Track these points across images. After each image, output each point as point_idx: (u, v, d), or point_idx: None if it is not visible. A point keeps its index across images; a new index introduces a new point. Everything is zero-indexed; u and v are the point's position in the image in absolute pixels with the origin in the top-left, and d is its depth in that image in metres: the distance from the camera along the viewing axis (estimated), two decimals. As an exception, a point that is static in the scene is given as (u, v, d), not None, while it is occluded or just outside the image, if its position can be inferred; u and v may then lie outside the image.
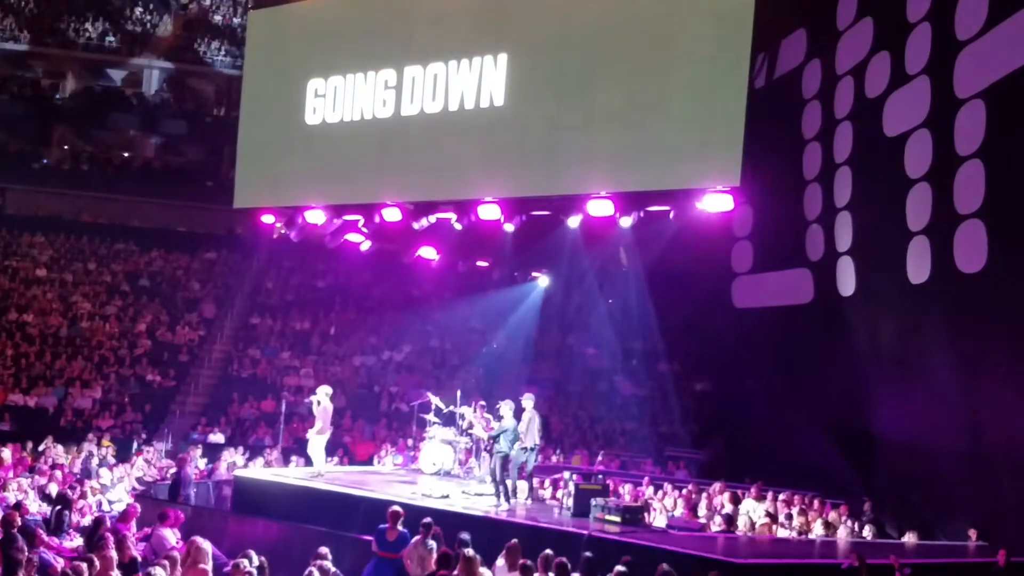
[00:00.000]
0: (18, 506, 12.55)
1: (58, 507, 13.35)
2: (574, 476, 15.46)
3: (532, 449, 13.77)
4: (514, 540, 10.05)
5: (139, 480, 18.05)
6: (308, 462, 15.73)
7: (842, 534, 14.04)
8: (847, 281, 16.67)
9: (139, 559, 10.48)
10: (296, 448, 19.35)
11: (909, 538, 13.65)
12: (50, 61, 34.48)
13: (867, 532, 14.10)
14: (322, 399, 15.43)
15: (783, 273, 18.38)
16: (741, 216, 17.90)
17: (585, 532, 11.72)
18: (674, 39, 13.90)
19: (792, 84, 17.90)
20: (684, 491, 15.73)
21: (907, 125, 15.14)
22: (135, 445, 21.52)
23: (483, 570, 9.59)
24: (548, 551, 9.68)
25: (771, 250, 18.70)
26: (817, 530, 14.13)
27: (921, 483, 15.12)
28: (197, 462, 19.28)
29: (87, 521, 13.43)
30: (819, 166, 17.34)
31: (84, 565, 8.78)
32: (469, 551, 9.66)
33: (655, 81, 14.00)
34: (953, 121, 14.17)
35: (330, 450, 21.33)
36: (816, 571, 10.54)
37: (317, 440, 15.52)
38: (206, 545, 9.82)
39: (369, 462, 20.40)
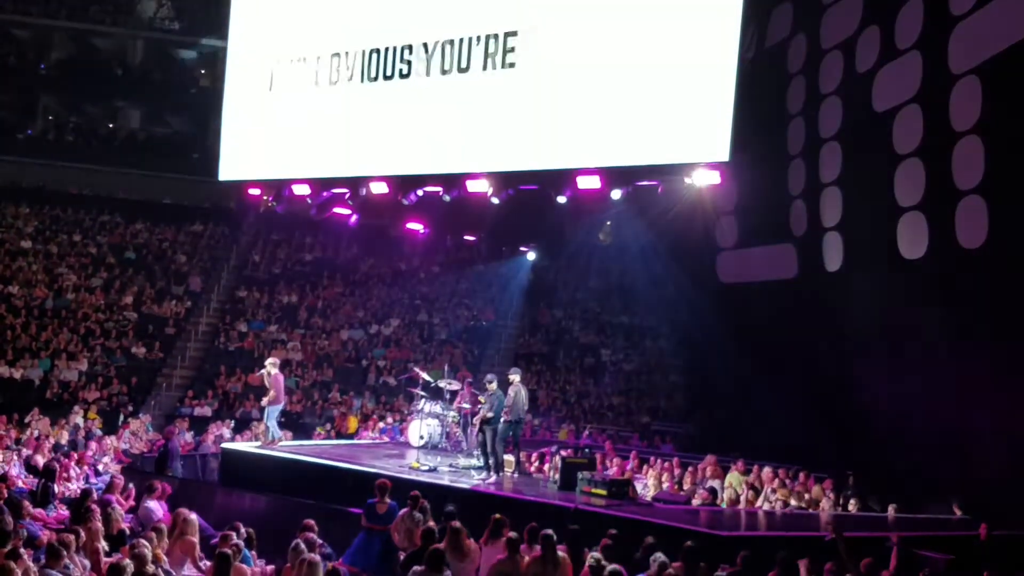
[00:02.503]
0: (4, 478, 12.56)
1: (43, 479, 13.34)
2: (561, 450, 15.54)
3: (518, 422, 13.85)
4: (497, 515, 10.08)
5: (126, 452, 18.06)
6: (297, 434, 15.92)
7: (825, 507, 14.15)
8: (834, 256, 16.70)
9: (126, 531, 10.52)
10: (283, 422, 19.37)
11: (892, 511, 13.77)
12: (34, 31, 34.10)
13: (851, 506, 14.22)
14: (271, 370, 15.62)
15: (767, 248, 18.40)
16: (725, 190, 17.85)
17: (571, 505, 11.80)
18: (665, 11, 13.81)
19: (777, 58, 17.84)
20: (666, 464, 15.85)
21: (896, 100, 15.11)
22: (121, 418, 21.52)
23: (469, 542, 9.66)
24: (533, 524, 9.74)
25: (755, 225, 18.70)
26: (801, 503, 14.25)
27: (906, 457, 15.23)
28: (184, 435, 19.30)
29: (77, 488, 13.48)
30: (803, 141, 17.33)
31: (71, 536, 8.81)
32: (456, 523, 9.73)
33: (644, 53, 13.91)
34: (948, 96, 14.13)
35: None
36: (799, 543, 10.62)
37: (270, 411, 15.70)
38: (193, 517, 9.86)
39: (356, 435, 20.47)
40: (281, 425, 16.95)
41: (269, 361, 16.07)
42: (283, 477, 14.30)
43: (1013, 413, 13.46)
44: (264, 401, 15.83)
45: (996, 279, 13.73)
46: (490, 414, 13.58)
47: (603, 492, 12.61)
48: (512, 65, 15.12)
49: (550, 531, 9.07)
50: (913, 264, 15.00)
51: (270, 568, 9.98)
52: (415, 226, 20.31)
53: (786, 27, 17.83)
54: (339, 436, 20.51)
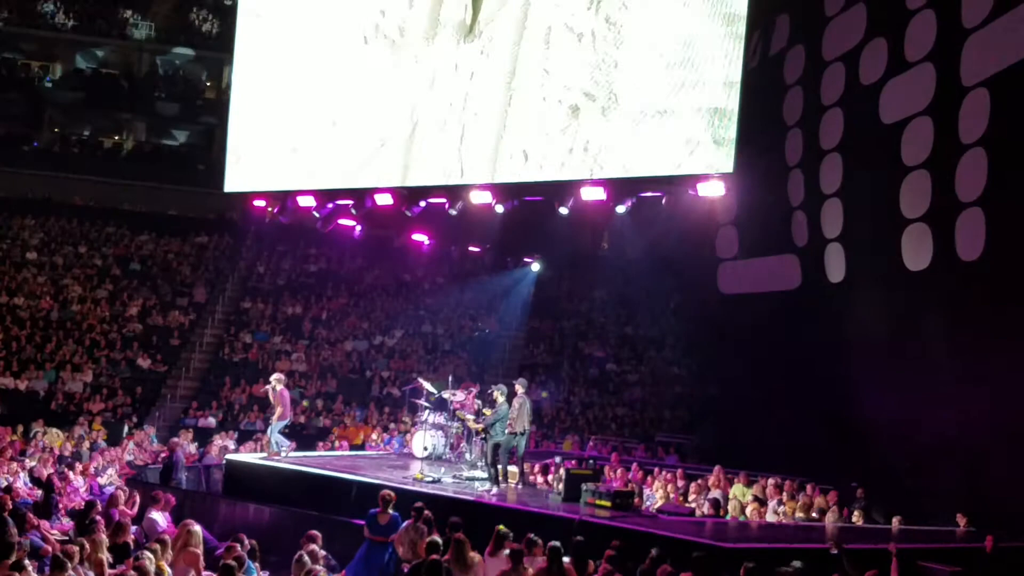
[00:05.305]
0: (8, 489, 12.56)
1: (47, 491, 13.35)
2: (565, 461, 15.52)
3: (522, 434, 13.81)
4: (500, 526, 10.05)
5: (130, 464, 18.06)
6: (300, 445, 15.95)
7: (830, 519, 14.11)
8: (836, 267, 16.70)
9: (130, 542, 10.51)
10: (287, 433, 19.36)
11: (896, 523, 13.73)
12: (39, 43, 34.25)
13: (856, 517, 14.19)
14: (277, 386, 15.67)
15: (769, 259, 18.38)
16: (726, 201, 17.85)
17: (576, 517, 11.78)
18: (670, 19, 13.83)
19: (776, 69, 17.86)
20: (668, 474, 15.81)
21: (906, 112, 15.10)
22: (126, 429, 21.53)
23: (473, 554, 9.63)
24: (531, 535, 9.72)
25: (756, 236, 18.68)
26: (806, 515, 14.20)
27: (911, 469, 15.20)
28: (188, 446, 19.29)
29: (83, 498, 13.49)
30: (801, 152, 17.33)
31: (76, 548, 8.82)
32: (460, 535, 9.71)
33: (649, 64, 13.94)
34: (957, 109, 14.13)
35: (322, 435, 21.51)
36: (804, 556, 10.59)
37: (276, 425, 15.82)
38: (197, 528, 9.86)
39: (361, 447, 20.45)
40: (286, 436, 16.98)
41: (274, 377, 16.08)
42: (287, 488, 14.29)
43: (1016, 424, 13.43)
44: (273, 418, 15.86)
45: (998, 290, 13.72)
46: (480, 424, 13.56)
47: (607, 503, 12.58)
48: (513, 75, 15.18)
49: (557, 543, 9.05)
50: (917, 276, 14.99)
51: (274, 580, 9.98)
52: (420, 237, 20.37)
53: (783, 38, 17.86)
54: (343, 447, 20.49)
